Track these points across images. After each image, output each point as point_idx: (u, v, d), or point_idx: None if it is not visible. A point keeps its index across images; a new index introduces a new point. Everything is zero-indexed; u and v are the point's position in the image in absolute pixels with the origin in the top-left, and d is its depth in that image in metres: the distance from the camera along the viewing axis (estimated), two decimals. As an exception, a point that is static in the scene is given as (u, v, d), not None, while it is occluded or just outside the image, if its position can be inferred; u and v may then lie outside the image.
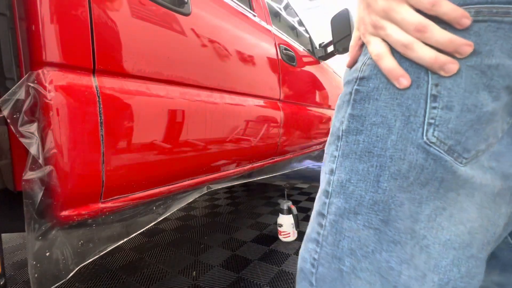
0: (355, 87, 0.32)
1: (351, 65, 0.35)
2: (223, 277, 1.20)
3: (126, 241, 0.78)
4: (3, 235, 0.71)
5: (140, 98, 0.75)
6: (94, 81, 0.66)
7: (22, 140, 0.55)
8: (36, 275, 0.58)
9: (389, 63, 0.29)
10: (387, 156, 0.30)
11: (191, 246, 1.50)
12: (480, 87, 0.26)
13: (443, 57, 0.26)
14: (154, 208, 0.88)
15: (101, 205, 0.69)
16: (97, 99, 0.65)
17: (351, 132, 0.32)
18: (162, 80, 0.84)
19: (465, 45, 0.26)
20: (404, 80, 0.28)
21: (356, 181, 0.32)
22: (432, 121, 0.27)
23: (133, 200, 0.77)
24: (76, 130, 0.61)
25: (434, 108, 0.27)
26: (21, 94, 0.56)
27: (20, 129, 0.55)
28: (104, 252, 0.72)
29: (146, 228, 0.84)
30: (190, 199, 1.01)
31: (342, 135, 0.33)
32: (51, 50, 0.58)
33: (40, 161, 0.57)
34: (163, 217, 0.89)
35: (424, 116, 0.28)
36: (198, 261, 1.33)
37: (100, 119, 0.65)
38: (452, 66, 0.26)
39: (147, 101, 0.77)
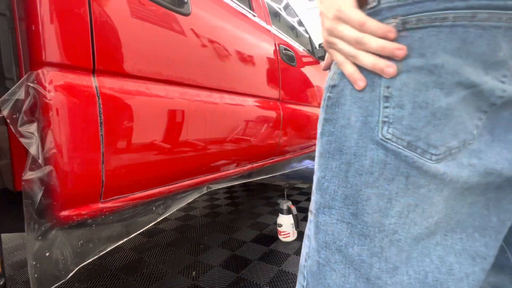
0: (328, 94, 0.36)
1: (325, 69, 0.41)
2: (223, 277, 1.20)
3: (126, 241, 0.78)
4: (3, 235, 0.71)
5: (140, 98, 0.76)
6: (94, 81, 0.66)
7: (21, 140, 0.55)
8: (36, 275, 0.58)
9: (348, 69, 0.33)
10: (351, 153, 0.33)
11: (191, 246, 1.50)
12: (430, 85, 0.29)
13: (381, 62, 0.31)
14: (154, 208, 0.88)
15: (101, 205, 0.69)
16: (97, 99, 0.65)
17: (325, 134, 0.36)
18: (162, 80, 0.84)
19: (397, 49, 0.30)
20: (360, 83, 0.32)
21: (330, 177, 0.35)
22: (386, 119, 0.31)
23: (133, 200, 0.77)
24: (76, 130, 0.61)
25: (387, 107, 0.31)
26: (21, 94, 0.56)
27: (20, 129, 0.55)
28: (104, 252, 0.72)
29: (146, 228, 0.84)
30: (190, 199, 1.01)
31: (319, 137, 0.37)
32: (51, 50, 0.58)
33: (40, 161, 0.57)
34: (163, 217, 0.89)
35: (379, 116, 0.31)
36: (198, 261, 1.33)
37: (100, 119, 0.65)
38: (390, 69, 0.30)
39: (147, 101, 0.77)
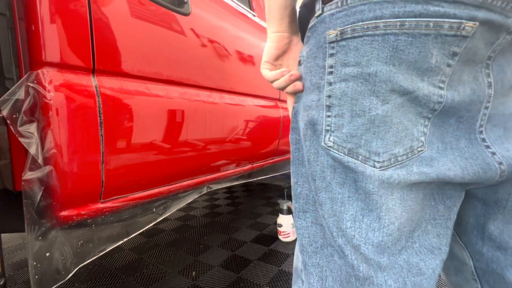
0: (294, 105, 0.40)
1: None
2: (223, 277, 1.20)
3: (126, 241, 0.78)
4: (3, 235, 0.71)
5: (139, 98, 0.75)
6: (93, 81, 0.66)
7: (21, 140, 0.55)
8: (36, 276, 0.58)
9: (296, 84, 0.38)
10: (307, 159, 0.35)
11: (191, 246, 1.50)
12: (366, 93, 0.30)
13: (288, 88, 0.38)
14: (154, 208, 0.88)
15: (101, 205, 0.69)
16: (97, 99, 0.65)
17: (292, 142, 0.39)
18: (161, 80, 0.84)
19: (289, 76, 0.37)
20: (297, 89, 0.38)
21: (302, 182, 0.37)
22: (328, 127, 0.32)
23: (133, 200, 0.77)
24: (76, 130, 0.61)
25: (329, 116, 0.32)
26: (21, 94, 0.56)
27: (20, 129, 0.55)
28: (103, 252, 0.72)
29: (146, 228, 0.84)
30: (190, 199, 1.01)
31: (290, 145, 0.40)
32: (51, 50, 0.58)
33: (40, 161, 0.57)
34: (163, 217, 0.89)
35: (323, 124, 0.33)
36: (198, 261, 1.33)
37: (100, 119, 0.65)
38: (292, 88, 0.38)
39: (147, 101, 0.77)
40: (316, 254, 0.34)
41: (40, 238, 0.60)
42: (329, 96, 0.32)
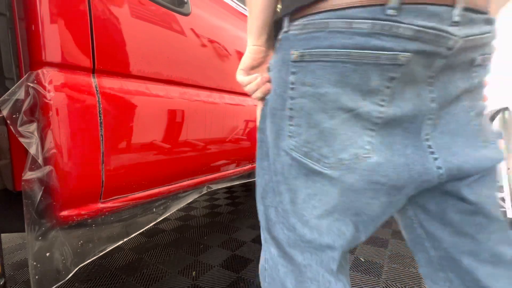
0: (262, 107, 0.47)
1: None
2: (223, 277, 1.19)
3: (126, 241, 0.78)
4: (3, 235, 0.71)
5: (139, 98, 0.75)
6: (93, 81, 0.66)
7: (21, 140, 0.55)
8: (36, 276, 0.58)
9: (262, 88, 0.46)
10: (271, 158, 0.43)
11: (191, 246, 1.50)
12: (318, 109, 0.37)
13: (257, 94, 0.47)
14: (154, 208, 0.88)
15: (101, 205, 0.69)
16: (97, 99, 0.65)
17: (259, 140, 0.47)
18: (161, 80, 0.84)
19: (260, 79, 0.46)
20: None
21: (262, 174, 0.46)
22: (291, 134, 0.40)
23: (133, 200, 0.77)
24: (76, 130, 0.61)
25: (291, 125, 0.40)
26: (21, 94, 0.56)
27: (20, 129, 0.55)
28: (104, 252, 0.72)
29: (146, 228, 0.84)
30: (190, 199, 1.01)
31: (257, 143, 0.47)
32: (51, 50, 0.58)
33: (40, 161, 0.57)
34: (163, 217, 0.89)
35: (286, 131, 0.40)
36: (198, 261, 1.33)
37: (100, 119, 0.65)
38: (263, 90, 0.45)
39: (147, 101, 0.77)
40: (273, 230, 0.44)
41: (40, 238, 0.60)
42: (291, 109, 0.39)
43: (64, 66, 0.61)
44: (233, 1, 1.24)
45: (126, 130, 0.72)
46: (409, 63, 0.34)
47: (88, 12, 0.65)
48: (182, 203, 0.97)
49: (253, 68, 0.50)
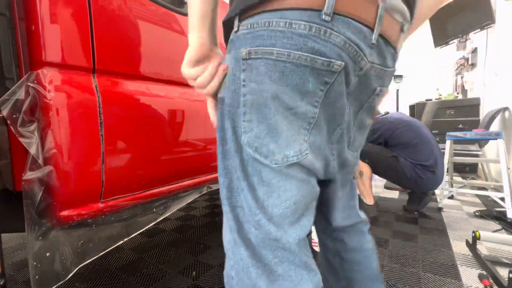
0: (219, 106, 0.46)
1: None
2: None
3: (126, 241, 0.78)
4: (3, 235, 0.71)
5: (140, 98, 0.75)
6: (94, 81, 0.66)
7: (21, 140, 0.55)
8: (36, 276, 0.58)
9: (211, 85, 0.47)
10: (232, 155, 0.43)
11: (191, 246, 1.50)
12: (264, 105, 0.39)
13: (214, 83, 0.46)
14: (154, 208, 0.88)
15: (101, 205, 0.69)
16: (97, 99, 0.65)
17: (219, 139, 0.46)
18: (162, 80, 0.84)
19: (216, 66, 0.46)
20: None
21: (225, 173, 0.45)
22: (244, 130, 0.41)
23: (133, 200, 0.77)
24: (76, 130, 0.61)
25: (244, 121, 0.41)
26: (21, 94, 0.56)
27: (20, 129, 0.55)
28: (103, 252, 0.72)
29: (146, 228, 0.84)
30: (190, 199, 1.01)
31: (217, 141, 0.47)
32: (51, 50, 0.58)
33: (40, 161, 0.57)
34: (163, 217, 0.89)
35: (241, 127, 0.41)
36: (198, 261, 1.33)
37: (100, 119, 0.65)
38: (214, 82, 0.46)
39: (147, 101, 0.77)
40: (242, 230, 0.44)
41: (40, 238, 0.60)
42: (244, 105, 0.41)
43: (64, 66, 0.61)
44: (233, 1, 1.24)
45: (126, 130, 0.72)
46: (341, 72, 0.39)
47: (88, 12, 0.65)
48: (182, 203, 0.97)
49: (198, 61, 0.48)
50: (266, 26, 0.38)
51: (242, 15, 0.41)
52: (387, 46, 0.44)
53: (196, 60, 0.48)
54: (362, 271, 0.61)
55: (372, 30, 0.40)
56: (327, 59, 0.37)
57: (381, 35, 0.41)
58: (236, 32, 0.42)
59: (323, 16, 0.37)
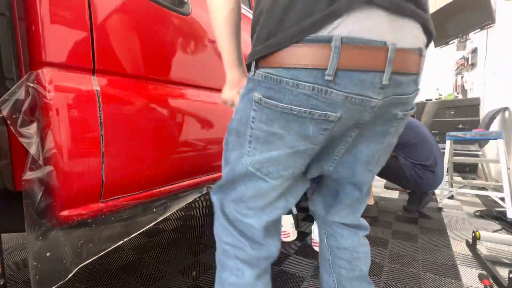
0: (235, 121, 0.55)
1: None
2: (223, 277, 1.19)
3: (126, 241, 0.78)
4: (3, 235, 0.71)
5: (139, 98, 0.75)
6: (94, 81, 0.66)
7: (21, 140, 0.55)
8: (36, 276, 0.58)
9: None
10: (235, 166, 0.54)
11: (191, 246, 1.49)
12: (269, 142, 0.49)
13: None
14: (154, 208, 0.88)
15: (101, 205, 0.69)
16: (97, 99, 0.65)
17: (231, 134, 0.55)
18: (161, 80, 0.84)
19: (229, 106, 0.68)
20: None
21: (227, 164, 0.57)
22: (248, 153, 0.51)
23: (133, 200, 0.77)
24: (76, 130, 0.61)
25: (249, 147, 0.51)
26: (21, 94, 0.56)
27: (20, 129, 0.55)
28: (104, 252, 0.72)
29: (146, 228, 0.84)
30: (190, 199, 1.01)
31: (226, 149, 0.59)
32: (51, 50, 0.58)
33: (40, 161, 0.57)
34: (163, 217, 0.89)
35: (246, 149, 0.51)
36: (198, 261, 1.32)
37: (100, 119, 0.65)
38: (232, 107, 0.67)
39: (147, 101, 0.77)
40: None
41: (40, 238, 0.60)
42: (250, 136, 0.50)
43: (64, 66, 0.61)
44: (233, 1, 1.23)
45: (126, 130, 0.72)
46: (339, 119, 0.44)
47: (88, 12, 0.65)
48: (182, 203, 0.97)
49: (232, 89, 0.66)
50: (277, 83, 0.44)
51: (258, 62, 0.48)
52: (406, 76, 0.46)
53: (231, 89, 0.65)
54: (351, 270, 0.67)
55: (382, 71, 0.42)
56: (323, 112, 0.43)
57: (395, 72, 0.44)
58: (252, 75, 0.49)
59: (326, 77, 0.41)
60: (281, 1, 0.43)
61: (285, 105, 0.44)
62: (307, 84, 0.42)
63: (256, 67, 0.49)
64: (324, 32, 0.41)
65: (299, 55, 0.42)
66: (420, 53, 0.47)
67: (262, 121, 0.47)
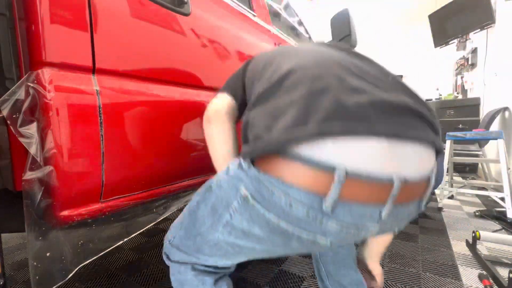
0: (210, 184, 0.58)
1: None
2: (223, 277, 1.19)
3: (126, 241, 0.78)
4: (3, 235, 0.71)
5: (140, 98, 0.75)
6: (94, 81, 0.66)
7: (21, 140, 0.55)
8: (36, 276, 0.58)
9: None
10: (207, 235, 0.52)
11: (191, 246, 1.49)
12: (243, 239, 0.48)
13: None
14: (154, 208, 0.87)
15: (101, 205, 0.69)
16: (97, 98, 0.65)
17: (209, 190, 0.57)
18: (162, 80, 0.84)
19: None
20: None
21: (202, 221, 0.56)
22: (222, 233, 0.49)
23: (133, 200, 0.77)
24: (76, 130, 0.61)
25: (224, 229, 0.49)
26: (21, 94, 0.56)
27: (20, 129, 0.55)
28: (104, 252, 0.72)
29: (146, 228, 0.84)
30: (190, 199, 1.00)
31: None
32: (51, 50, 0.58)
33: (40, 161, 0.57)
34: (163, 217, 0.89)
35: (220, 226, 0.49)
36: (198, 261, 1.32)
37: (100, 119, 0.65)
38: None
39: (147, 101, 0.77)
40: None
41: (40, 238, 0.60)
42: (227, 221, 0.48)
43: (64, 66, 0.61)
44: (233, 1, 1.24)
45: (126, 130, 0.72)
46: (329, 243, 0.43)
47: (88, 12, 0.65)
48: (182, 203, 0.97)
49: None
50: (270, 192, 0.40)
51: (254, 159, 0.45)
52: (408, 204, 0.44)
53: None
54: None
55: (383, 204, 0.40)
56: (313, 235, 0.41)
57: (397, 204, 0.41)
58: (245, 167, 0.45)
59: (324, 208, 0.38)
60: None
61: (273, 217, 0.41)
62: (301, 208, 0.38)
63: (252, 162, 0.44)
64: (321, 154, 0.37)
65: (298, 174, 0.38)
66: (428, 180, 0.44)
67: (243, 217, 0.44)
